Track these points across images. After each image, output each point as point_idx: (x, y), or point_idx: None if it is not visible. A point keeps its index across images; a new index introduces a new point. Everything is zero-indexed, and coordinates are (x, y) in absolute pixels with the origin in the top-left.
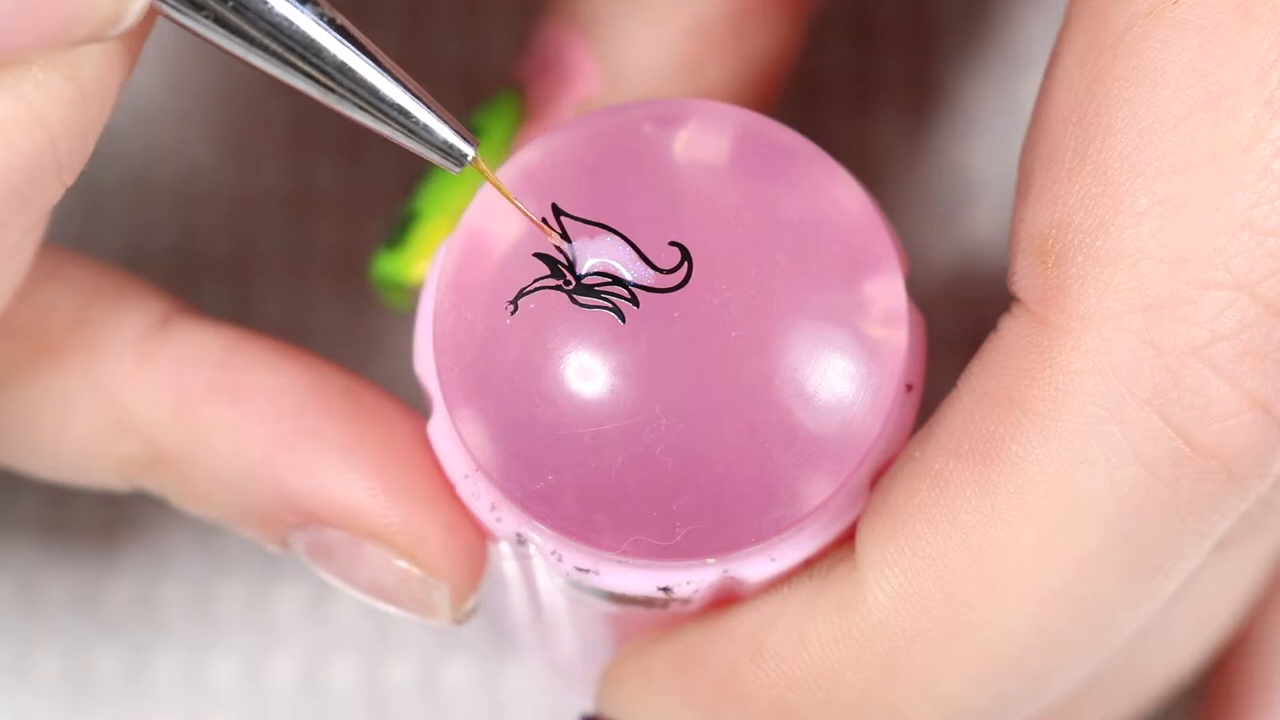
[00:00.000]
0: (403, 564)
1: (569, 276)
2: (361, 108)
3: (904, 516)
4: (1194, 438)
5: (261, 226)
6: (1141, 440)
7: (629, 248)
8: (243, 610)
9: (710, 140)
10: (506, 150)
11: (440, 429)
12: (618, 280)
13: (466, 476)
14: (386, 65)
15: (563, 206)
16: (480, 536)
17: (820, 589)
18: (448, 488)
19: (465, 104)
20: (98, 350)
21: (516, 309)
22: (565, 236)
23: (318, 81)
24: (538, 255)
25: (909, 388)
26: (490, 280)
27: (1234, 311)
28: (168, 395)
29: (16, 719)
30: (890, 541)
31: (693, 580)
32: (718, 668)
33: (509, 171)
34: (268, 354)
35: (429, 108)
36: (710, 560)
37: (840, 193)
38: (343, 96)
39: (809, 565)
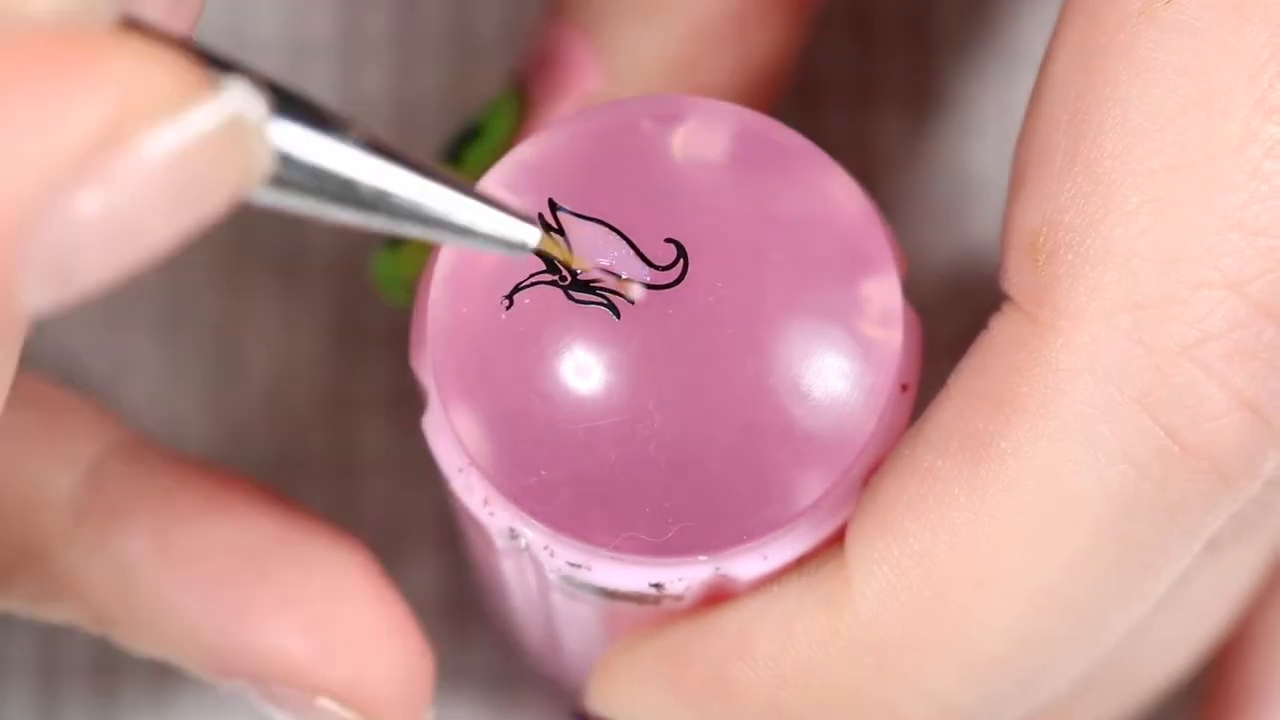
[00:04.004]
0: (350, 715)
1: (564, 272)
2: (415, 229)
3: (893, 514)
4: (1183, 437)
5: (261, 226)
6: (1131, 439)
7: (625, 244)
8: None
9: (709, 138)
10: (507, 147)
11: (435, 423)
12: (614, 276)
13: (460, 471)
14: (434, 176)
15: (560, 202)
16: (426, 662)
17: (809, 586)
18: (394, 617)
19: (456, 95)
20: (32, 514)
21: (512, 304)
22: (560, 231)
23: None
24: (534, 251)
25: (904, 388)
26: (486, 276)
27: (1224, 311)
28: (102, 559)
29: None
30: (879, 539)
31: (685, 577)
32: (708, 665)
33: (507, 167)
34: (201, 510)
35: (482, 211)
36: (702, 558)
37: (838, 192)
38: (395, 222)
39: (800, 563)
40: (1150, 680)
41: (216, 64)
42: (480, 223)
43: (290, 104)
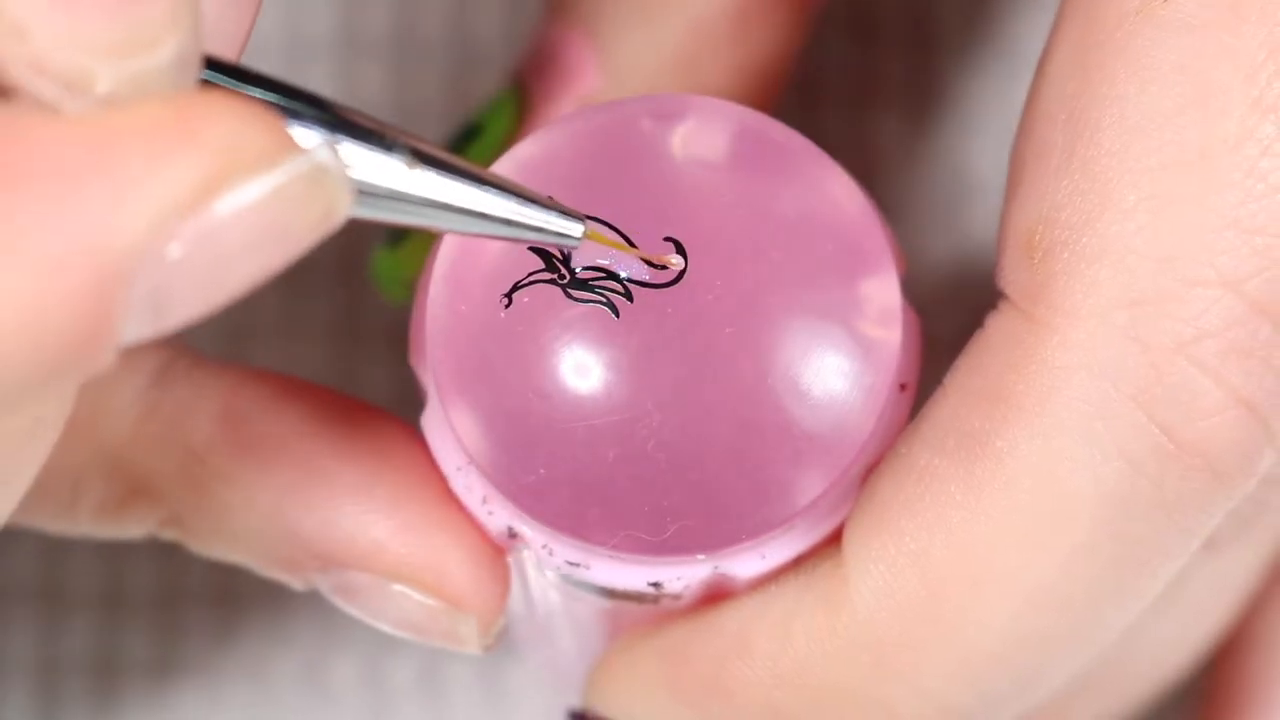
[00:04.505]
0: (429, 601)
1: (563, 270)
2: (470, 227)
3: (889, 513)
4: (1178, 434)
5: None
6: (1126, 437)
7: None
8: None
9: (708, 137)
10: (506, 147)
11: (434, 421)
12: (612, 275)
13: (459, 469)
14: (488, 181)
15: (559, 200)
16: (501, 557)
17: (807, 585)
18: (465, 509)
19: (456, 95)
20: (100, 418)
21: (511, 302)
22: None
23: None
24: (533, 249)
25: (903, 387)
26: (486, 274)
27: (1220, 309)
28: (173, 454)
29: None
30: (875, 538)
31: (683, 576)
32: (705, 664)
33: (506, 165)
34: (270, 397)
35: (527, 207)
36: (700, 557)
37: (837, 191)
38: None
39: (799, 562)
40: (1148, 679)
41: (275, 87)
42: (531, 219)
43: (349, 128)
